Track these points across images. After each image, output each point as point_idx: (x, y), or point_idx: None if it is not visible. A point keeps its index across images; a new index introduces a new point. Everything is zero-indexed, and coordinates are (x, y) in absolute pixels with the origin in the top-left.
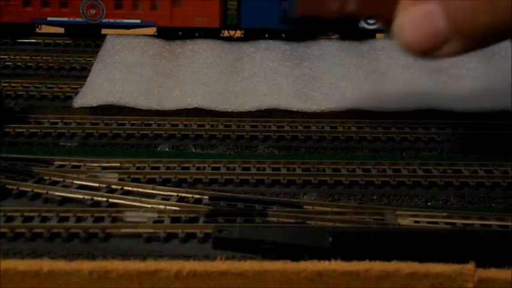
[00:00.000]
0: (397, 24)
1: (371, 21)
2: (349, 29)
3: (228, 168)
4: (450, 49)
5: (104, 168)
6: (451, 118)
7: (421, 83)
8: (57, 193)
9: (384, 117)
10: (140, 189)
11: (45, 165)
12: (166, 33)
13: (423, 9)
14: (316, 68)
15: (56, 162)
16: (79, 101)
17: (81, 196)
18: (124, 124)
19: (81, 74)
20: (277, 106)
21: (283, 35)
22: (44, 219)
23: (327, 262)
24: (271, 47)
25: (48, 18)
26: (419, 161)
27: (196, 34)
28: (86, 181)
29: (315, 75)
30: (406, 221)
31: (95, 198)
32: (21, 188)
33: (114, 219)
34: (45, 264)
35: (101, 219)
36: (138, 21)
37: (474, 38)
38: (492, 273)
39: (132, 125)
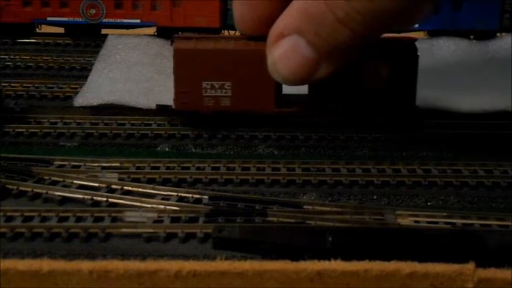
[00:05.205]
0: (270, 61)
1: None
2: None
3: (228, 168)
4: (323, 72)
5: (104, 168)
6: (451, 118)
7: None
8: (57, 193)
9: None
10: (140, 189)
11: (45, 165)
12: (167, 33)
13: (289, 42)
14: None
15: (56, 162)
16: (80, 100)
17: (81, 196)
18: (124, 124)
19: (81, 73)
20: None
21: None
22: (44, 219)
23: (327, 262)
24: None
25: (48, 18)
26: (419, 161)
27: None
28: (85, 181)
29: None
30: (406, 221)
31: (94, 198)
32: (21, 188)
33: (114, 219)
34: (45, 264)
35: (101, 219)
36: (138, 21)
37: (338, 55)
38: (492, 273)
39: (132, 124)
